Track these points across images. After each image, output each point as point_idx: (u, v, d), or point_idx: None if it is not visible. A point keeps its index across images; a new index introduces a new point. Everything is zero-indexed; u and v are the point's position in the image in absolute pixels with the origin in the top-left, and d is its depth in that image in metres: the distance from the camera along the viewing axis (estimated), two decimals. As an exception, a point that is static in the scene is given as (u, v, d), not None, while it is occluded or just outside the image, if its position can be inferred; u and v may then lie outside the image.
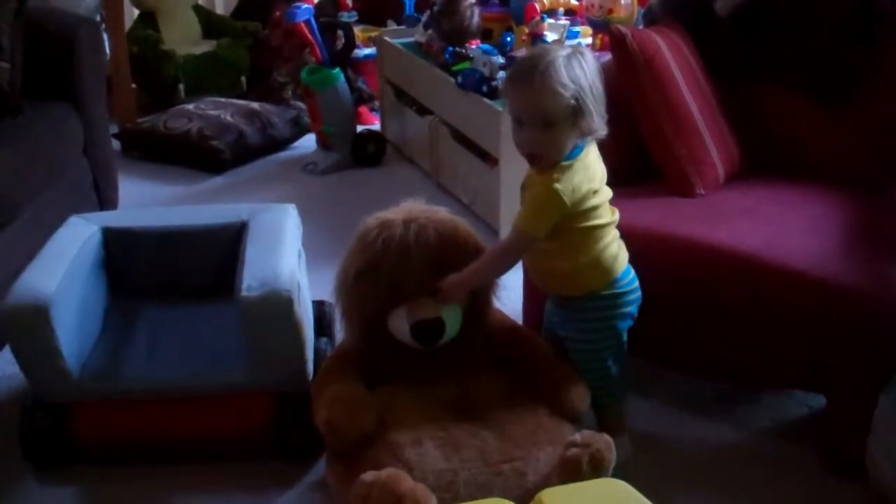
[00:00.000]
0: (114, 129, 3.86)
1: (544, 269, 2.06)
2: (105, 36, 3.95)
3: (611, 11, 3.55)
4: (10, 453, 2.19)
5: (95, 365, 2.14)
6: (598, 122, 1.90)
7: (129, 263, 2.39)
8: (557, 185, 1.87)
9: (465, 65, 3.47)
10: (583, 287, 2.02)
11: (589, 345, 2.07)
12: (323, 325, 2.43)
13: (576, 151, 1.91)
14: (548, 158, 1.90)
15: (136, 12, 4.83)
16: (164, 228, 2.41)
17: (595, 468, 1.72)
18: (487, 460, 1.80)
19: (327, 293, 2.27)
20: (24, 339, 2.04)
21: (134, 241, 2.40)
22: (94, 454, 2.16)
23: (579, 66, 1.87)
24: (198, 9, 5.00)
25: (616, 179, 1.99)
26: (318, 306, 2.45)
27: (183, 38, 4.81)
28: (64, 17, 3.17)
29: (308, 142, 4.26)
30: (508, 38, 3.53)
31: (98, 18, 4.24)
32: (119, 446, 2.15)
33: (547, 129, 1.87)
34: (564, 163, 1.89)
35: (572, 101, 1.85)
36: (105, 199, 3.21)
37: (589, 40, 3.53)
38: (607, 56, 2.58)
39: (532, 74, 1.85)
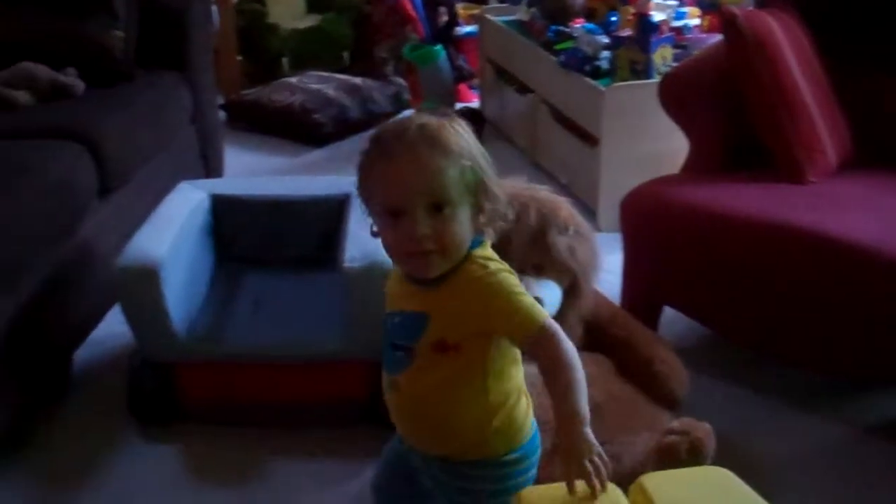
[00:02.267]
0: (219, 100, 3.93)
1: (434, 413, 1.43)
2: (213, 8, 4.03)
3: (720, -8, 3.49)
4: (115, 409, 2.27)
5: (201, 327, 2.20)
6: (502, 205, 1.39)
7: (236, 230, 2.44)
8: (498, 265, 1.37)
9: (568, 44, 3.44)
10: (493, 443, 1.43)
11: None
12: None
13: (474, 244, 1.38)
14: (447, 254, 1.34)
15: (244, -15, 4.91)
16: (270, 197, 2.46)
17: (693, 456, 1.70)
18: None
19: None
20: (135, 299, 2.11)
21: (241, 208, 2.46)
22: (194, 413, 2.23)
23: (460, 128, 1.36)
24: (304, -17, 5.06)
25: (720, 164, 1.94)
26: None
27: (288, 11, 4.87)
28: (177, -11, 3.23)
29: (407, 117, 4.27)
30: (613, 18, 3.48)
31: (208, -10, 4.32)
32: (219, 406, 2.21)
33: (437, 213, 1.31)
34: (475, 251, 1.37)
35: (467, 170, 1.33)
36: (211, 167, 3.28)
37: (696, 21, 3.46)
38: (717, 37, 2.54)
39: (404, 140, 1.32)
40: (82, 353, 2.47)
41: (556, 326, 1.35)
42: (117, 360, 2.45)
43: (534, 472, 1.48)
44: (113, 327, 2.52)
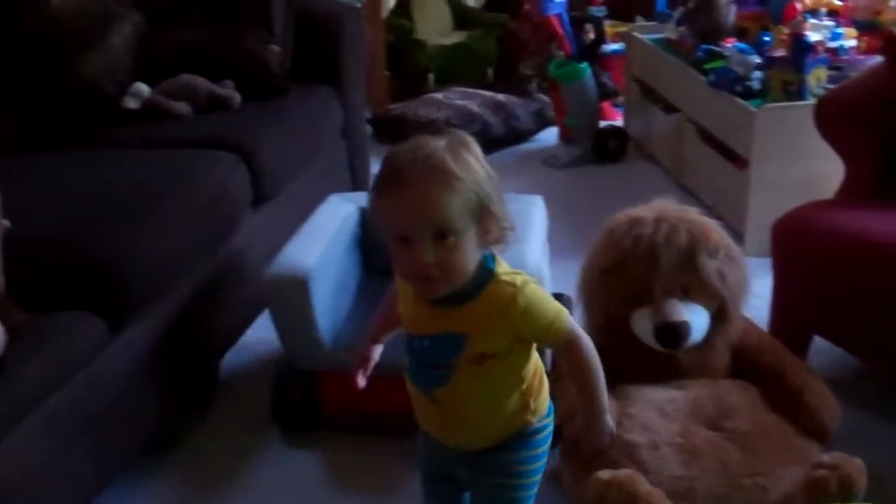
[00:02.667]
0: (366, 114, 4.01)
1: (476, 416, 1.51)
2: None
3: (878, 13, 3.37)
4: (259, 414, 2.33)
5: (346, 337, 2.24)
6: (508, 224, 1.44)
7: (383, 242, 2.47)
8: (523, 278, 1.45)
9: (719, 63, 3.38)
10: (529, 412, 1.53)
11: (525, 492, 1.58)
12: (561, 317, 2.43)
13: (490, 262, 1.45)
14: (450, 280, 1.40)
15: (393, 2, 5.00)
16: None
17: (844, 492, 1.65)
18: (728, 472, 1.75)
19: (566, 286, 2.28)
20: (284, 308, 2.17)
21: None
22: (336, 421, 2.27)
23: (469, 154, 1.39)
24: (451, 0, 5.11)
25: (877, 190, 1.88)
26: (558, 299, 2.45)
27: (435, 28, 4.94)
28: (331, 6, 3.32)
29: (549, 134, 4.28)
30: (766, 38, 3.41)
31: (359, 6, 4.42)
32: (359, 415, 2.23)
33: (442, 241, 1.36)
34: (496, 270, 1.44)
35: (472, 197, 1.37)
36: (358, 180, 3.34)
37: (853, 42, 3.36)
38: (874, 59, 2.45)
39: (410, 171, 1.36)
40: (229, 359, 2.55)
41: (580, 331, 1.51)
42: (263, 366, 2.53)
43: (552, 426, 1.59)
44: (259, 333, 2.60)
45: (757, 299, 2.10)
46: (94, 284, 1.94)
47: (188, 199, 2.27)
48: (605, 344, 2.00)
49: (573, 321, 1.50)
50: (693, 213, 2.01)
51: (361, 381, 1.68)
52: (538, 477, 1.57)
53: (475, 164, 1.39)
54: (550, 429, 1.58)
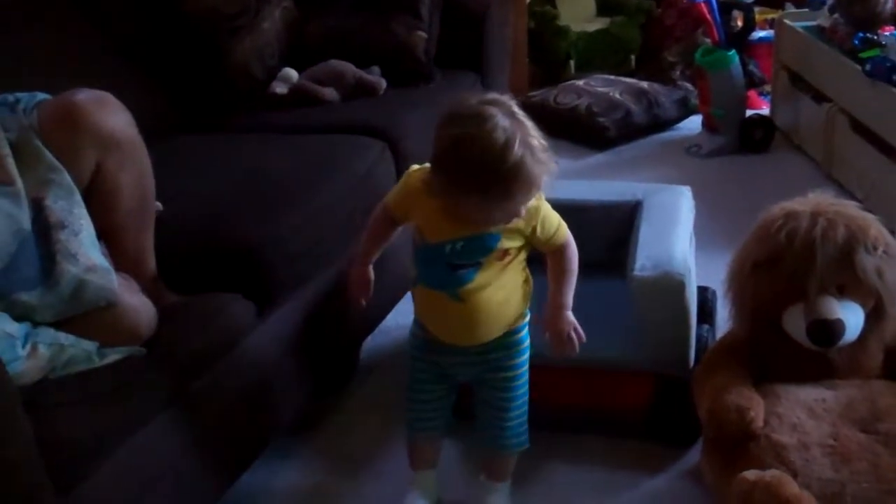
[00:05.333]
0: (508, 100, 4.01)
1: (497, 307, 1.84)
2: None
3: None
4: (397, 397, 2.31)
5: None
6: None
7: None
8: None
9: (875, 52, 3.25)
10: (523, 307, 1.91)
11: (522, 378, 1.95)
12: (705, 311, 2.39)
13: None
14: None
15: (536, -13, 4.98)
16: (561, 201, 2.45)
17: None
18: (881, 477, 1.69)
19: (710, 279, 2.24)
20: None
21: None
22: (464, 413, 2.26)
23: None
24: (596, -14, 5.06)
25: None
26: (702, 292, 2.41)
27: (578, 14, 4.89)
28: (478, -9, 3.31)
29: (693, 123, 4.20)
30: (928, 25, 3.27)
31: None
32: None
33: None
34: None
35: None
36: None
37: None
38: None
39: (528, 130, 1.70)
40: (369, 342, 2.58)
41: (571, 238, 1.88)
42: (403, 351, 2.55)
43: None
44: (398, 319, 2.63)
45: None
46: (243, 268, 1.98)
47: (335, 185, 2.30)
48: (754, 340, 1.98)
49: (569, 234, 1.88)
50: (851, 208, 1.95)
51: (363, 303, 2.00)
52: (526, 367, 1.94)
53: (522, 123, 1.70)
54: (527, 328, 1.93)
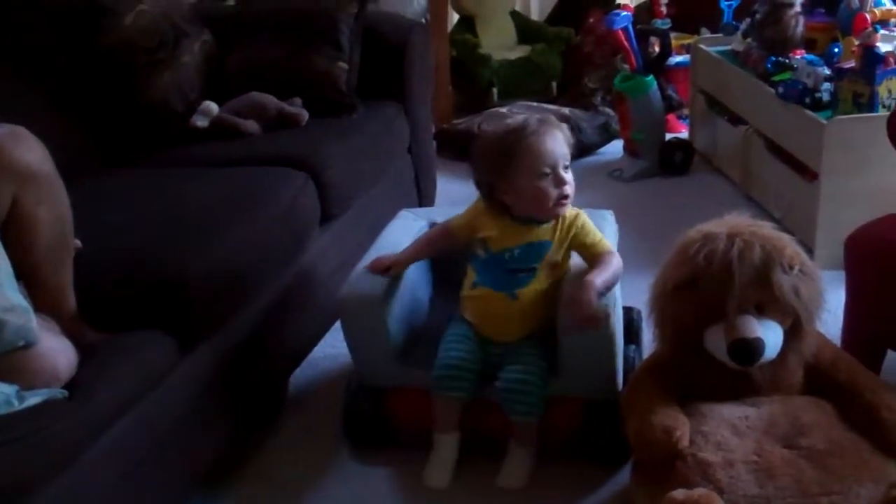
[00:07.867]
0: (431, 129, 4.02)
1: (543, 307, 2.14)
2: (428, 39, 4.13)
3: (951, 23, 3.31)
4: (328, 430, 2.35)
5: (418, 353, 2.25)
6: None
7: (453, 258, 2.48)
8: (576, 208, 2.17)
9: (787, 75, 3.34)
10: (553, 312, 2.13)
11: (543, 358, 2.15)
12: (631, 331, 2.41)
13: None
14: (571, 197, 2.12)
15: (457, 17, 5.02)
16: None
17: (923, 512, 1.62)
18: (804, 491, 1.73)
19: (635, 299, 2.27)
20: (357, 325, 2.18)
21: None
22: (404, 438, 2.27)
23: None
24: (514, 14, 5.13)
25: None
26: (627, 313, 2.44)
27: (499, 42, 4.96)
28: (397, 22, 3.34)
29: (614, 148, 4.27)
30: (836, 49, 3.37)
31: (424, 22, 4.44)
32: (428, 433, 2.22)
33: (566, 169, 2.11)
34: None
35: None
36: (424, 195, 3.36)
37: (927, 52, 3.29)
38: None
39: (548, 122, 2.13)
40: (296, 375, 2.56)
41: (614, 250, 2.17)
42: (331, 381, 2.55)
43: None
44: (325, 350, 2.62)
45: (828, 313, 2.06)
46: (165, 303, 1.95)
47: (257, 218, 2.28)
48: (678, 360, 2.01)
49: (612, 246, 2.18)
50: (767, 228, 1.99)
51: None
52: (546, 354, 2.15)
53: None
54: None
